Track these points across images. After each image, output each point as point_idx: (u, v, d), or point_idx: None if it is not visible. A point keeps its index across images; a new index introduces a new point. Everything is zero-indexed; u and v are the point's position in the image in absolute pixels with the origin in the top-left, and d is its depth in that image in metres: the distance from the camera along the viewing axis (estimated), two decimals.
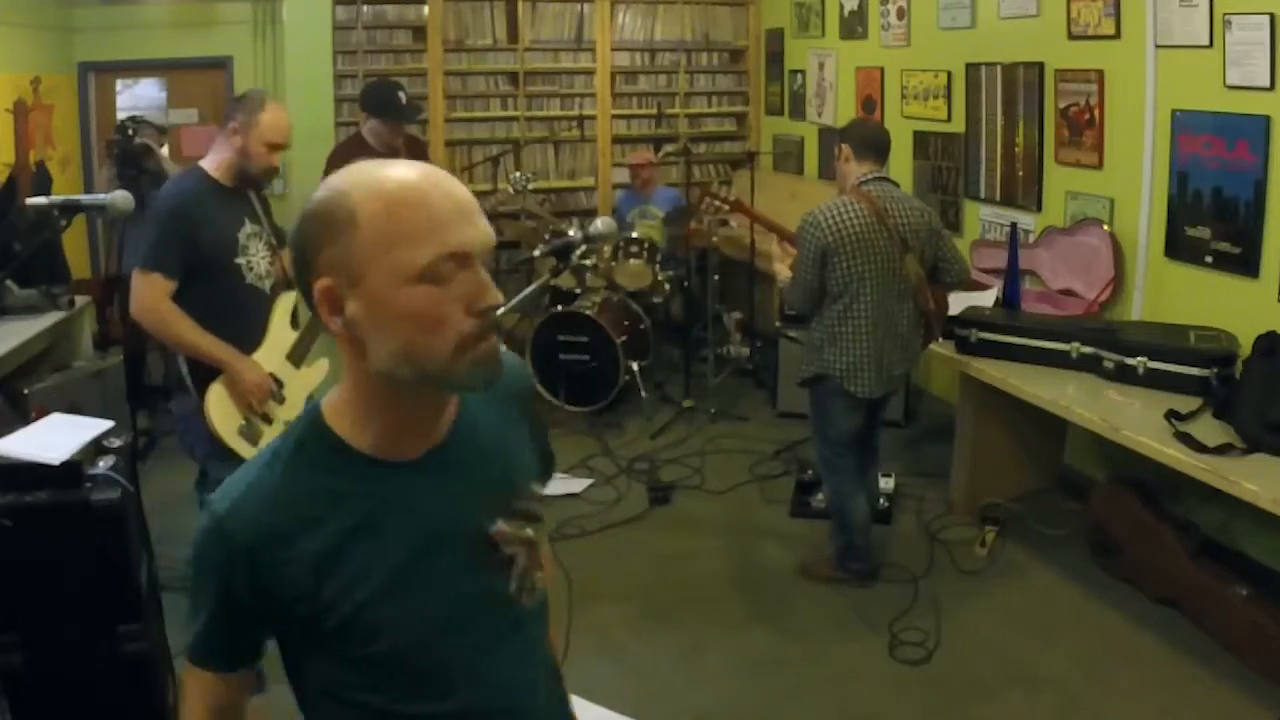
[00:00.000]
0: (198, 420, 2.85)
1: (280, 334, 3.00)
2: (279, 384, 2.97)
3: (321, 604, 1.15)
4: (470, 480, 1.23)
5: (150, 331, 2.88)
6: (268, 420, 2.93)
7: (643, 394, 5.43)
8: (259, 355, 2.92)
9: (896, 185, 3.51)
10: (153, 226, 2.80)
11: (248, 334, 2.91)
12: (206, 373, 2.83)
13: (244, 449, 2.87)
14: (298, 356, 3.04)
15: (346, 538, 1.15)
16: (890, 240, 3.34)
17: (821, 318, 3.43)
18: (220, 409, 2.83)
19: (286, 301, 3.03)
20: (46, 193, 5.39)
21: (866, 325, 3.37)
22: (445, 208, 1.10)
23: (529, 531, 1.27)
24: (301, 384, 3.07)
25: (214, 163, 2.89)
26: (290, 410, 3.01)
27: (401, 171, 1.12)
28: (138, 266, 2.77)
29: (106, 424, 2.69)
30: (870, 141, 3.46)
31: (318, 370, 3.15)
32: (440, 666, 1.21)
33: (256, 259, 2.93)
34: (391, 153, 4.20)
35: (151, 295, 2.76)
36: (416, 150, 4.48)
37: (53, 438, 2.54)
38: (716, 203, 4.68)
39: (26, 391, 4.34)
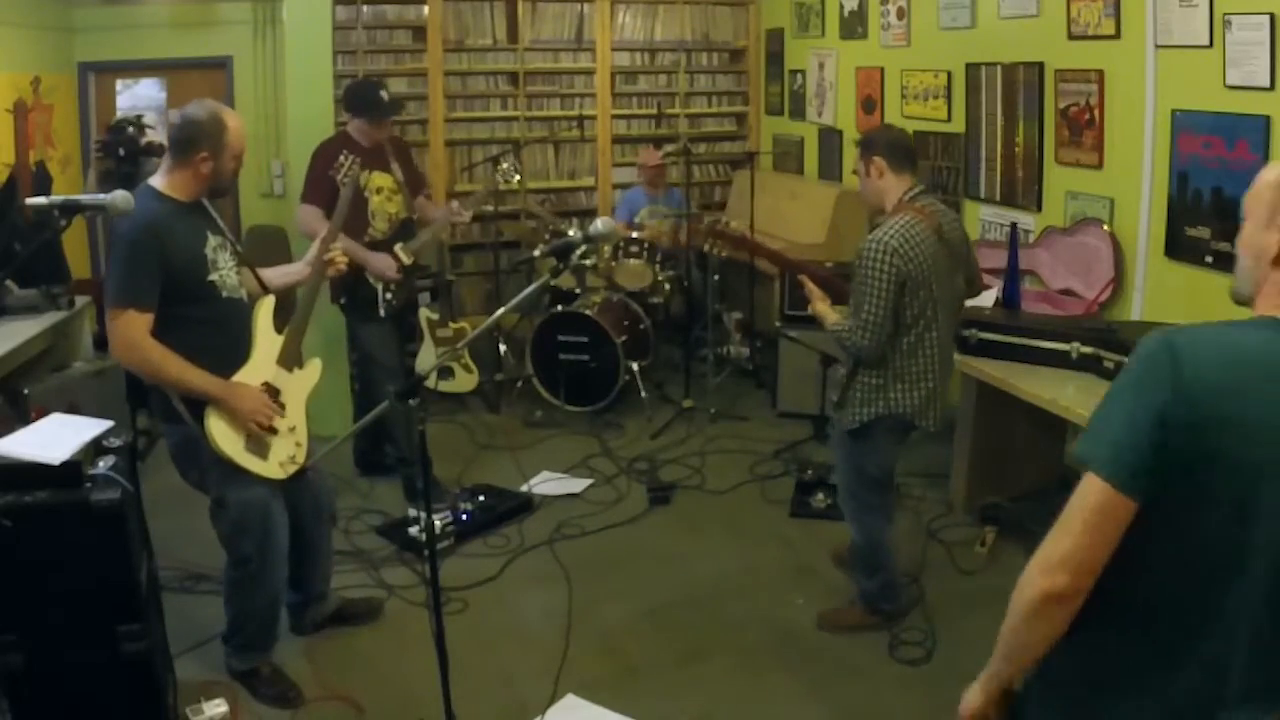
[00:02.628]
0: (198, 450, 2.80)
1: (267, 341, 2.94)
2: (276, 392, 2.92)
3: None
4: None
5: (135, 372, 2.79)
6: (272, 430, 2.88)
7: (643, 394, 5.43)
8: (250, 367, 2.87)
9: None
10: (118, 260, 2.67)
11: (236, 349, 2.86)
12: (199, 398, 2.77)
13: (256, 465, 2.83)
14: (289, 360, 2.99)
15: None
16: (950, 258, 3.10)
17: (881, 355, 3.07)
18: (223, 430, 2.77)
19: (267, 306, 2.97)
20: (46, 193, 5.39)
21: (936, 356, 3.08)
22: None
23: None
24: (298, 386, 3.03)
25: (168, 182, 2.78)
26: (293, 416, 2.97)
27: None
28: (109, 306, 2.66)
29: (106, 424, 2.69)
30: (903, 150, 3.13)
31: (312, 371, 3.10)
32: None
33: (227, 272, 2.85)
34: (377, 148, 4.21)
35: (130, 334, 2.64)
36: (400, 147, 4.49)
37: (53, 438, 2.54)
38: (723, 238, 4.43)
39: (26, 391, 4.34)
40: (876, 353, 3.03)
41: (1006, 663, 1.51)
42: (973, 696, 1.57)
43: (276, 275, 3.21)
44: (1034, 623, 1.40)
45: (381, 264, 4.15)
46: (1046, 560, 1.36)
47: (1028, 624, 1.41)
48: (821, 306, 3.24)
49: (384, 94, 4.19)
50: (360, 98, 4.22)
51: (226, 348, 2.83)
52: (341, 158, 4.08)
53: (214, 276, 2.81)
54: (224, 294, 2.83)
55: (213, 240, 2.83)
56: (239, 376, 2.84)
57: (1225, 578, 1.31)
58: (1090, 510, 1.33)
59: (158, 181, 2.80)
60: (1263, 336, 1.32)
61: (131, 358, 2.70)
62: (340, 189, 3.61)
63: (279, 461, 2.90)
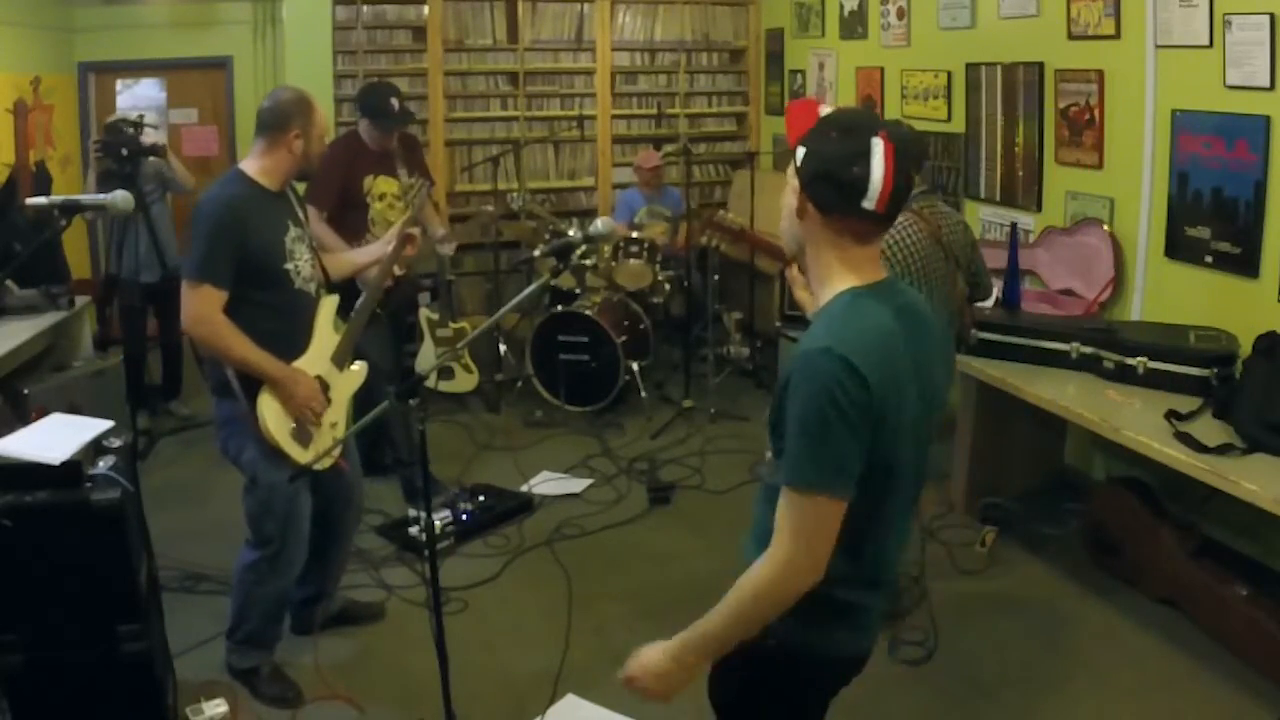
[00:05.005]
0: (244, 425, 2.82)
1: (325, 336, 2.98)
2: (326, 387, 2.95)
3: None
4: None
5: (201, 344, 2.82)
6: (317, 423, 2.92)
7: (643, 394, 5.43)
8: (306, 359, 2.90)
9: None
10: (201, 236, 2.72)
11: (298, 339, 2.89)
12: (254, 377, 2.80)
13: (297, 452, 2.85)
14: (341, 359, 3.03)
15: None
16: (945, 261, 3.11)
17: None
18: (274, 413, 2.80)
19: (330, 304, 3.01)
20: (46, 193, 5.39)
21: None
22: None
23: None
24: (345, 385, 3.07)
25: (260, 167, 2.83)
26: (336, 412, 3.01)
27: None
28: (187, 278, 2.71)
29: (106, 424, 2.69)
30: (912, 153, 3.20)
31: (360, 371, 3.14)
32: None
33: (302, 263, 2.89)
34: (385, 153, 4.19)
35: (203, 308, 2.69)
36: (412, 149, 4.47)
37: (53, 438, 2.54)
38: (721, 230, 4.40)
39: (26, 391, 4.35)
40: None
41: (726, 643, 1.67)
42: (664, 664, 1.76)
43: (352, 256, 3.31)
44: (782, 607, 1.58)
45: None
46: (797, 565, 1.53)
47: (775, 609, 1.59)
48: (803, 294, 3.25)
49: (394, 102, 4.13)
50: (370, 102, 4.18)
51: (289, 336, 2.86)
52: (410, 179, 4.01)
53: (289, 266, 2.84)
54: (296, 285, 2.87)
55: (293, 231, 2.88)
56: (296, 366, 2.89)
57: (893, 496, 1.61)
58: (829, 525, 1.50)
59: (249, 167, 2.84)
60: (879, 315, 1.54)
61: (200, 331, 2.73)
62: (409, 209, 3.56)
63: (316, 454, 2.93)
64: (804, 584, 1.54)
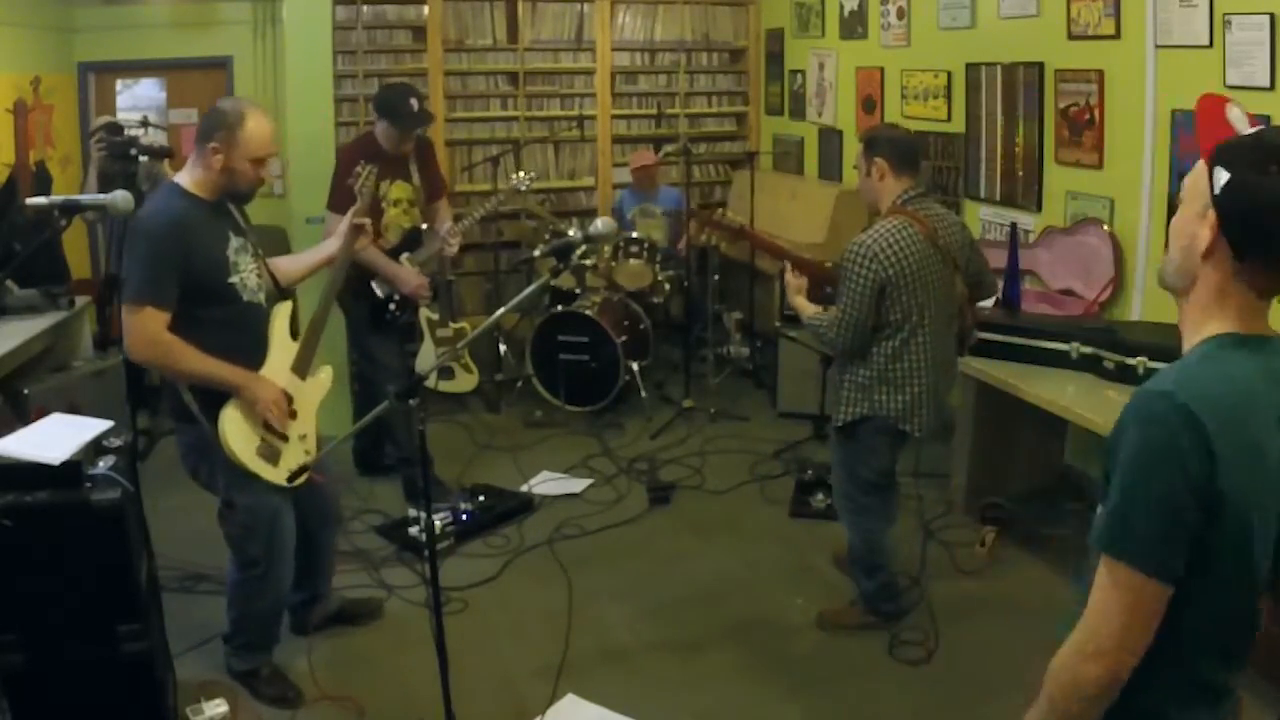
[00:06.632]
0: (210, 450, 2.77)
1: (282, 347, 2.91)
2: (289, 399, 2.88)
3: None
4: None
5: (152, 368, 2.74)
6: (284, 438, 2.86)
7: (643, 394, 5.43)
8: (265, 372, 2.83)
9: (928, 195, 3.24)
10: (139, 256, 2.63)
11: (252, 353, 2.82)
12: (213, 399, 2.74)
13: (265, 470, 2.80)
14: (302, 368, 2.96)
15: None
16: (944, 263, 3.08)
17: (868, 355, 3.09)
18: (236, 433, 2.74)
19: (284, 312, 2.92)
20: (46, 193, 5.38)
21: (925, 360, 3.07)
22: None
23: None
24: (310, 395, 3.00)
25: (191, 179, 2.74)
26: (304, 424, 2.94)
27: None
28: (125, 302, 2.62)
29: (106, 424, 2.68)
30: (908, 153, 3.11)
31: (324, 379, 3.08)
32: None
33: (248, 274, 2.81)
34: (399, 158, 4.17)
35: (148, 330, 2.61)
36: (425, 152, 4.46)
37: (53, 438, 2.54)
38: (719, 229, 4.40)
39: (26, 391, 4.34)
40: (855, 348, 3.09)
41: None
42: None
43: (307, 256, 3.23)
44: (1085, 693, 1.35)
45: (414, 283, 4.14)
46: (1090, 647, 1.32)
47: (1079, 694, 1.36)
48: (799, 299, 3.27)
49: (414, 103, 4.09)
50: (389, 103, 4.14)
51: (243, 351, 2.79)
52: (359, 167, 3.82)
53: (234, 279, 2.77)
54: (244, 297, 2.79)
55: (234, 242, 2.79)
56: None
57: (1249, 597, 1.35)
58: (1129, 604, 1.28)
59: (183, 178, 2.76)
60: (1243, 369, 1.29)
61: (149, 353, 2.66)
62: (358, 199, 3.49)
63: (288, 469, 2.87)
64: (1102, 671, 1.30)
